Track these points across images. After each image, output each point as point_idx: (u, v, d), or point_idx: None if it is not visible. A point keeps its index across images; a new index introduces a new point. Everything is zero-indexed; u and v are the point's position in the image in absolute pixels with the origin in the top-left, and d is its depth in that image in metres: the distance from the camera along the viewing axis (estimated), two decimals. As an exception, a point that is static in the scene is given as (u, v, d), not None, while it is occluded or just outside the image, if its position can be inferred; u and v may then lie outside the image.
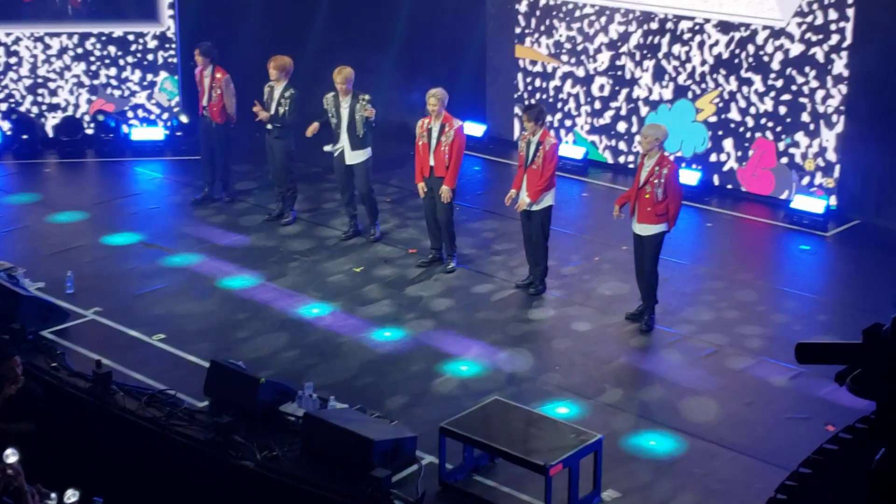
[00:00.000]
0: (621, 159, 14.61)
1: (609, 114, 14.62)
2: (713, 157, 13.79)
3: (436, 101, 11.04)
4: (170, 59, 15.29)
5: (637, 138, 14.38)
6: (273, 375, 8.97)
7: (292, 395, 8.61)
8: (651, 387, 9.38)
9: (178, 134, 15.12)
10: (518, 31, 15.22)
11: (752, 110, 13.34)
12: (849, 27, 12.45)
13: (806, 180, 13.05)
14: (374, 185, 12.23)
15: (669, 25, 13.81)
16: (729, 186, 13.69)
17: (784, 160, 13.19)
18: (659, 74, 14.03)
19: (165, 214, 13.05)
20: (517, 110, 15.32)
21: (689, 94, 13.82)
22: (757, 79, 13.24)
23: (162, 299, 10.78)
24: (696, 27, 13.60)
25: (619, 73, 14.38)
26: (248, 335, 10.10)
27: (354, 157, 11.87)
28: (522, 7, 15.11)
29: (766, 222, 12.97)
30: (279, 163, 12.46)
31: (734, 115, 13.52)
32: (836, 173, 12.84)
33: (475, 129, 15.21)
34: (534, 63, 15.19)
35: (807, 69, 12.83)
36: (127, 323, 10.26)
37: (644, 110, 14.25)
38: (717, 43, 13.48)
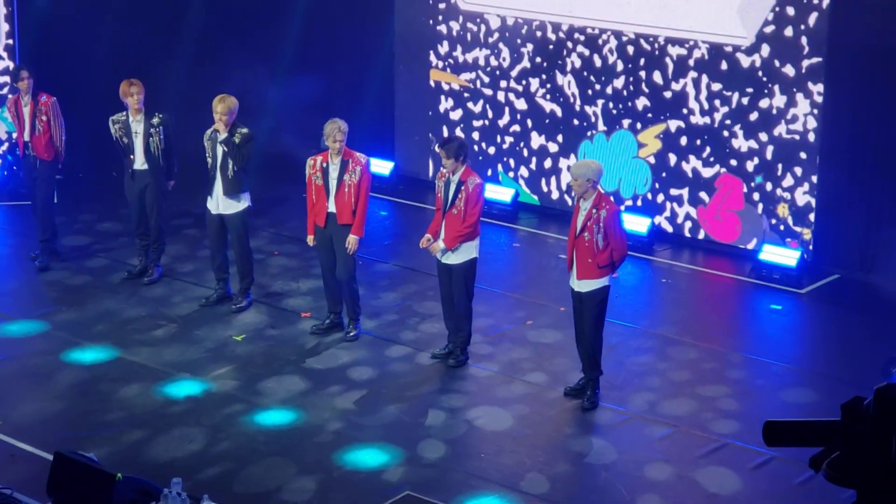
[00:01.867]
0: (556, 200, 14.72)
1: (542, 147, 14.76)
2: (664, 199, 13.92)
3: (342, 135, 11.05)
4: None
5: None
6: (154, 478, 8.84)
7: (157, 493, 8.46)
8: (594, 477, 9.38)
9: (14, 169, 14.91)
10: (432, 50, 15.31)
11: (713, 144, 13.56)
12: (823, 46, 12.69)
13: (777, 226, 13.24)
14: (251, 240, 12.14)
15: (613, 42, 14.01)
16: (687, 234, 13.87)
17: (755, 196, 13.35)
18: (601, 100, 14.18)
19: None
20: (433, 144, 15.35)
21: (632, 125, 14.00)
22: (717, 106, 13.46)
23: (-5, 377, 10.61)
24: (645, 44, 13.81)
25: (554, 98, 14.55)
26: (106, 424, 9.95)
27: (227, 206, 11.76)
28: (437, 22, 15.23)
29: (731, 277, 13.11)
30: (150, 208, 12.36)
31: (690, 148, 13.72)
32: (812, 219, 13.04)
33: (381, 166, 15.22)
34: (451, 88, 15.29)
35: (775, 96, 13.05)
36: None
37: (584, 143, 14.39)
38: (669, 63, 13.68)
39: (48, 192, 12.78)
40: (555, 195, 14.72)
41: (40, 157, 12.66)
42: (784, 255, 12.91)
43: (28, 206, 13.32)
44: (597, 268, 10.04)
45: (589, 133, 14.31)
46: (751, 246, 13.37)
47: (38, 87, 12.66)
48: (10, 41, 14.91)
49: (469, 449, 9.71)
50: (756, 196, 13.34)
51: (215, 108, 11.55)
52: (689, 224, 13.83)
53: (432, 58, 15.32)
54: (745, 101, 13.23)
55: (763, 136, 13.19)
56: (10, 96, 12.78)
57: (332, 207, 11.15)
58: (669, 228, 13.93)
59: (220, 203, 11.76)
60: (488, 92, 14.97)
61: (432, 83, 15.39)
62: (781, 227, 13.20)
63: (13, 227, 13.97)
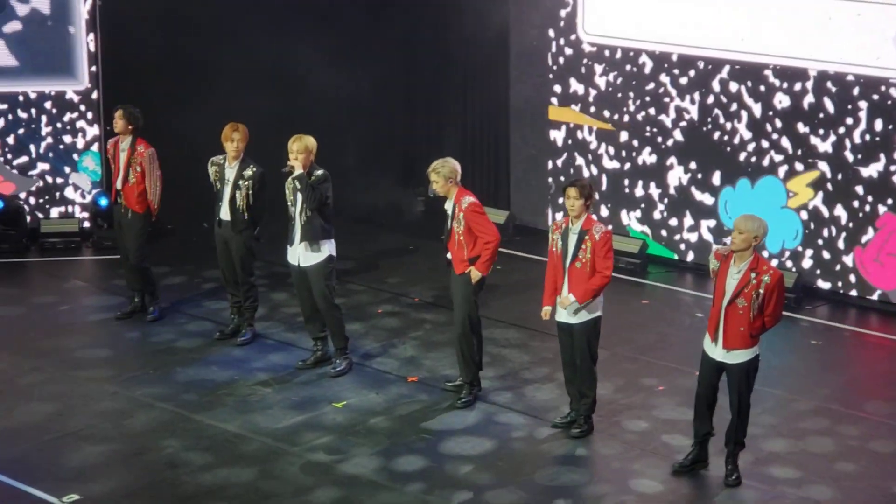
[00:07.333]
0: (690, 256, 14.70)
1: (676, 195, 14.76)
2: (816, 252, 13.85)
3: (437, 176, 11.05)
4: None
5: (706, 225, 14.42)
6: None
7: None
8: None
9: (101, 225, 15.23)
10: (553, 85, 15.38)
11: (870, 185, 13.41)
12: None
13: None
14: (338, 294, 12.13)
15: (772, 76, 13.93)
16: (839, 289, 13.72)
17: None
18: (743, 141, 14.18)
19: (80, 329, 13.05)
20: (552, 190, 15.39)
21: (781, 172, 13.96)
22: (878, 143, 13.33)
23: (78, 444, 10.70)
24: (797, 78, 13.75)
25: (691, 139, 14.54)
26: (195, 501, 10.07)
27: (306, 257, 11.77)
28: (558, 54, 15.28)
29: (893, 339, 13.01)
30: (239, 263, 12.47)
31: (847, 193, 13.60)
32: None
33: (495, 216, 15.19)
34: (574, 128, 15.34)
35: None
36: (29, 479, 10.14)
37: (722, 189, 14.38)
38: (823, 99, 13.61)
39: (138, 247, 12.93)
40: (688, 248, 14.71)
41: (131, 209, 12.90)
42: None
43: (116, 260, 13.53)
44: (749, 337, 9.87)
45: (728, 174, 14.31)
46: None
47: (139, 134, 12.80)
48: (94, 68, 15.22)
49: (594, 531, 9.63)
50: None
51: (291, 148, 11.55)
52: (844, 279, 13.73)
53: (552, 96, 15.41)
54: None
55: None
56: (112, 139, 13.03)
57: (449, 255, 11.25)
58: (822, 284, 13.87)
59: (300, 254, 11.79)
60: (616, 134, 15.01)
61: (552, 122, 15.44)
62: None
63: (100, 284, 14.25)
